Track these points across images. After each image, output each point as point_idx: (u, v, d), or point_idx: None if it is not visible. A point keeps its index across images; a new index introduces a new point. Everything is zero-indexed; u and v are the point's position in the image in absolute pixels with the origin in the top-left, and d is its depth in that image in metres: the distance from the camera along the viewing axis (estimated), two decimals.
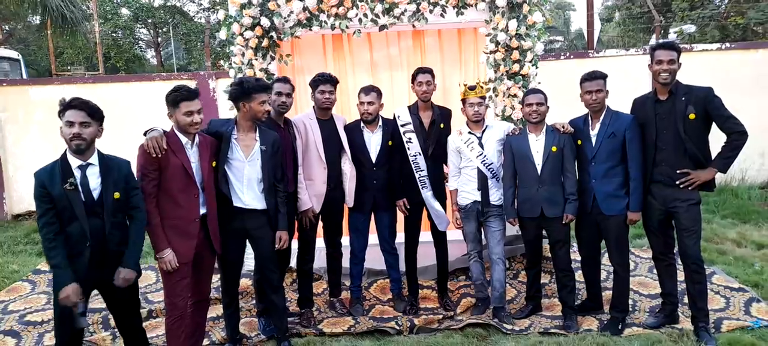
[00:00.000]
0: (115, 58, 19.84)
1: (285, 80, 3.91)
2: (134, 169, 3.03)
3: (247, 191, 3.40)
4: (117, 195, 2.83)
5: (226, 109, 4.16)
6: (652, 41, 18.63)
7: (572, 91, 4.91)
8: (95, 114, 2.79)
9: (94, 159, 2.82)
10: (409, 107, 4.16)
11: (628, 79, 6.65)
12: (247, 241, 3.57)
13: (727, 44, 7.64)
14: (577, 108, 3.88)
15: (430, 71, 4.08)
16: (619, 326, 3.76)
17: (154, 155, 2.97)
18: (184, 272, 3.13)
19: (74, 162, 2.77)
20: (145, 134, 3.07)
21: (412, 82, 4.10)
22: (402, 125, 4.07)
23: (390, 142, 4.08)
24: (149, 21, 21.23)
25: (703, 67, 6.94)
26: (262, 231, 3.49)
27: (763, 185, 7.15)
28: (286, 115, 3.92)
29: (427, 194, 4.08)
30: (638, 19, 19.01)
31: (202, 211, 3.20)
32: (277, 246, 3.51)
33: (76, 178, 2.75)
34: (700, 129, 3.45)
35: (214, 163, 3.29)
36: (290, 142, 3.85)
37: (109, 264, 2.85)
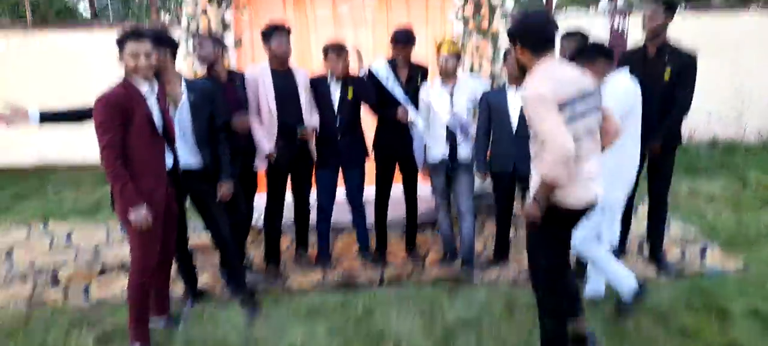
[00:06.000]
0: (43, 8, 18.41)
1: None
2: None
3: (182, 144, 3.16)
4: None
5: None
6: (603, 3, 18.98)
7: None
8: None
9: None
10: (387, 61, 3.99)
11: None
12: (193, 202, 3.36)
13: (681, 6, 7.84)
14: None
15: (404, 38, 3.88)
16: None
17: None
18: (158, 231, 2.86)
19: None
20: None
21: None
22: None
23: (349, 95, 3.92)
24: None
25: None
26: (201, 189, 3.28)
27: (709, 142, 7.51)
28: (239, 69, 3.74)
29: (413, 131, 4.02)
30: None
31: (169, 162, 2.94)
32: (218, 196, 3.27)
33: None
34: (672, 89, 3.52)
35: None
36: (236, 97, 3.64)
37: None
